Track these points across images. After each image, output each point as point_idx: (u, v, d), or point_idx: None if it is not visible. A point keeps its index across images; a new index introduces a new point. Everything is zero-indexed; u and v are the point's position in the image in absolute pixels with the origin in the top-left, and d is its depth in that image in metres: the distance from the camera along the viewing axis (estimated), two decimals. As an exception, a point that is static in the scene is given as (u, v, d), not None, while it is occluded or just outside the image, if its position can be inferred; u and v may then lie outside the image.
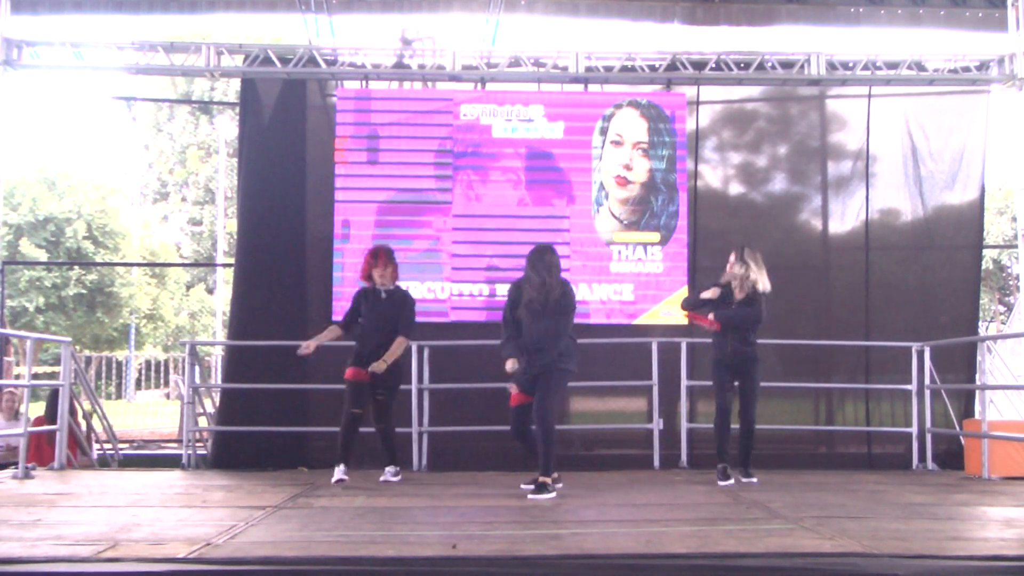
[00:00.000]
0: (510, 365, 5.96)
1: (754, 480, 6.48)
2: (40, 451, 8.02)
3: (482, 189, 8.75)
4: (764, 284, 6.57)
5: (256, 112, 8.92)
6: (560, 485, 5.99)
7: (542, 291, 5.89)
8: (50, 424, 8.37)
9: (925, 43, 9.68)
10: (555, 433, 5.91)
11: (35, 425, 8.12)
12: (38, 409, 10.38)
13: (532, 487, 5.77)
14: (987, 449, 6.94)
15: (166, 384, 19.51)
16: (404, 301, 6.70)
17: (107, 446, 9.11)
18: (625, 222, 8.80)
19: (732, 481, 6.40)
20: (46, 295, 22.34)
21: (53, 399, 7.90)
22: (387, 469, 6.68)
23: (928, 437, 7.92)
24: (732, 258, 6.67)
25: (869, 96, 9.06)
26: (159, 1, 9.40)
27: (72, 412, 8.75)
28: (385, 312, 6.59)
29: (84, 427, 9.08)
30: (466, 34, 10.43)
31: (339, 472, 6.39)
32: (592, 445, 8.66)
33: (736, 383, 6.65)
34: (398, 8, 9.41)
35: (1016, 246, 9.63)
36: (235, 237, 10.27)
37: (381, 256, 6.64)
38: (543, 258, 6.00)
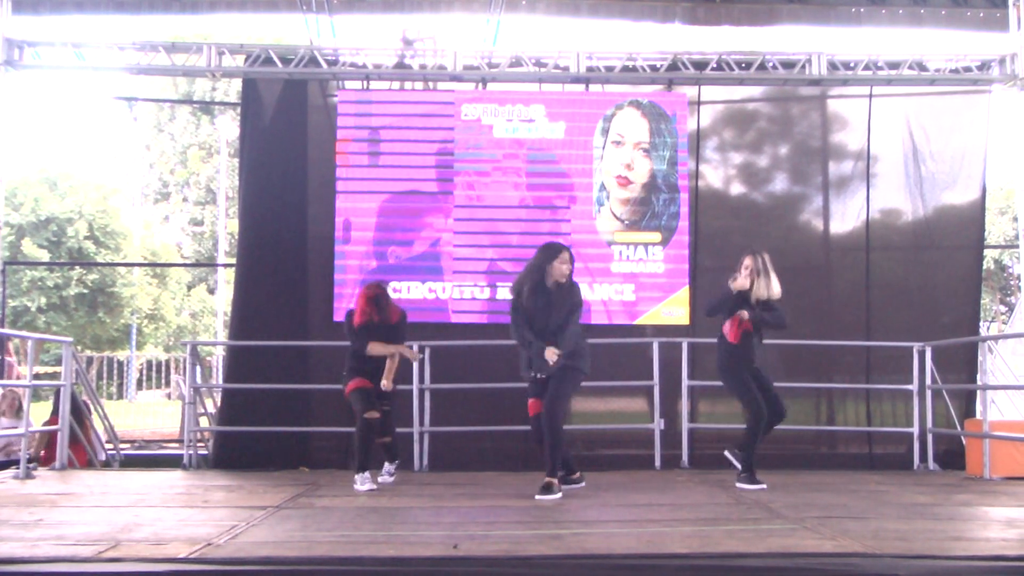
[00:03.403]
0: (550, 355, 5.73)
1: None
2: (51, 450, 8.06)
3: (483, 189, 8.74)
4: (776, 291, 6.35)
5: (257, 112, 8.92)
6: (583, 484, 6.09)
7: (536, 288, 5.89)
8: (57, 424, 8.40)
9: (926, 43, 9.67)
10: (562, 434, 5.91)
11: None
12: (41, 408, 10.41)
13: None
14: (988, 449, 6.95)
15: (167, 384, 19.50)
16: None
17: (108, 446, 9.13)
18: (626, 222, 8.79)
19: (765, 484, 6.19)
20: (47, 295, 22.36)
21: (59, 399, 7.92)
22: (385, 467, 6.70)
23: (929, 437, 7.92)
24: (748, 263, 6.31)
25: (870, 96, 9.05)
26: (160, 1, 9.40)
27: (79, 413, 8.76)
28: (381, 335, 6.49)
29: (100, 428, 9.11)
30: (467, 34, 10.42)
31: (366, 480, 6.17)
32: (593, 445, 8.65)
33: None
34: (399, 8, 9.40)
35: (1017, 246, 9.64)
36: (236, 237, 10.27)
37: (379, 300, 6.50)
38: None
